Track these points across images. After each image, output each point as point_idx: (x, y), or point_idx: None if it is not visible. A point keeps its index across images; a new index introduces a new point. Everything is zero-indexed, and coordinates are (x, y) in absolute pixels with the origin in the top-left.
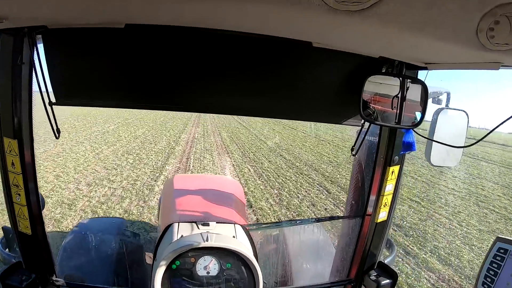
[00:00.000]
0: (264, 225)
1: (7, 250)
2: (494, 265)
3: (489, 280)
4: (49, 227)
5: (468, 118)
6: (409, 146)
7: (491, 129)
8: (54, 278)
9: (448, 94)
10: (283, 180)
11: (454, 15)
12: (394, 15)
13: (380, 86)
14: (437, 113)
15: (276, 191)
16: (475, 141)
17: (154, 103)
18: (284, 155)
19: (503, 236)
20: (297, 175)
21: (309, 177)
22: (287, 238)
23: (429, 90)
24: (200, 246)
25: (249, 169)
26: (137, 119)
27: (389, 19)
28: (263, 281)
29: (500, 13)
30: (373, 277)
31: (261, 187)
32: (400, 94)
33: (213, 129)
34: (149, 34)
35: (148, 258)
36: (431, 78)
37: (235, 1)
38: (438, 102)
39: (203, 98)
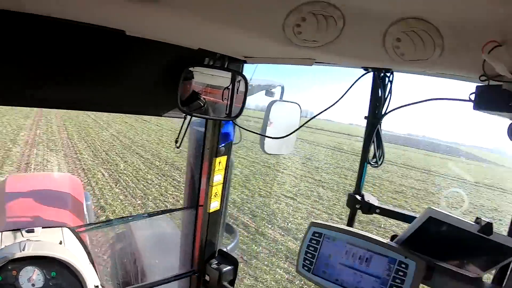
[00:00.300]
0: (95, 225)
1: None
2: (311, 248)
3: (308, 262)
4: None
5: (300, 109)
6: (227, 137)
7: (309, 119)
8: None
9: (282, 88)
10: (144, 186)
11: (260, 11)
12: (195, 5)
13: (209, 78)
14: (270, 105)
15: (139, 201)
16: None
17: None
18: (141, 153)
19: (316, 221)
20: (160, 177)
21: (173, 179)
22: (136, 234)
23: (263, 83)
24: (17, 256)
25: (103, 174)
26: None
27: (191, 8)
28: (101, 285)
29: (307, 10)
30: (214, 266)
31: (121, 197)
32: (222, 86)
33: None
34: None
35: None
36: (269, 72)
37: None
38: (271, 94)
39: (13, 90)
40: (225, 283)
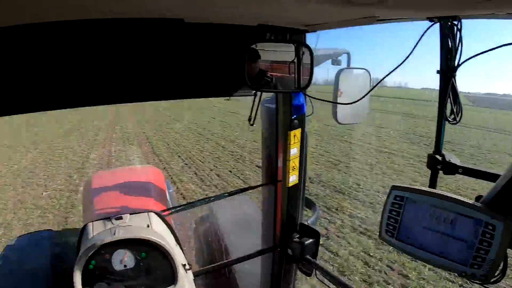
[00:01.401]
0: (179, 207)
1: None
2: (393, 213)
3: (392, 227)
4: None
5: (370, 76)
6: (299, 109)
7: (374, 85)
8: None
9: (348, 55)
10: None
11: None
12: None
13: (272, 53)
14: (338, 74)
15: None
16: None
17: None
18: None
19: (397, 184)
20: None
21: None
22: (218, 215)
23: (328, 52)
24: (108, 241)
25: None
26: None
27: None
28: (188, 263)
29: None
30: (296, 239)
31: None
32: (288, 59)
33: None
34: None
35: None
36: (332, 39)
37: None
38: (337, 63)
39: (79, 91)
40: (308, 256)
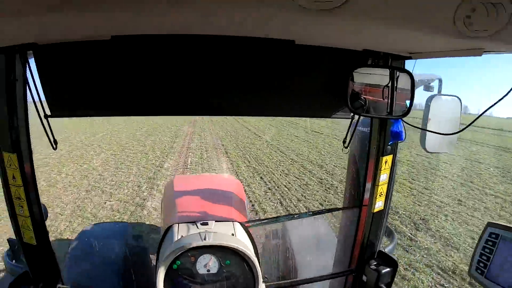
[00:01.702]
0: (263, 221)
1: (14, 261)
2: (486, 250)
3: (482, 265)
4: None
5: (461, 103)
6: (397, 136)
7: (479, 115)
8: (60, 285)
9: (440, 81)
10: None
11: (429, 6)
12: (368, 11)
13: (369, 77)
14: (429, 100)
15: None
16: (465, 126)
17: (146, 110)
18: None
19: (494, 222)
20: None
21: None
22: (290, 232)
23: (421, 78)
24: (198, 245)
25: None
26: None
27: (363, 15)
28: (264, 276)
29: (476, 1)
30: (373, 267)
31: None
32: (386, 84)
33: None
34: (136, 43)
35: (153, 260)
36: (423, 65)
37: (213, 8)
38: (429, 89)
39: (192, 101)
40: (382, 285)
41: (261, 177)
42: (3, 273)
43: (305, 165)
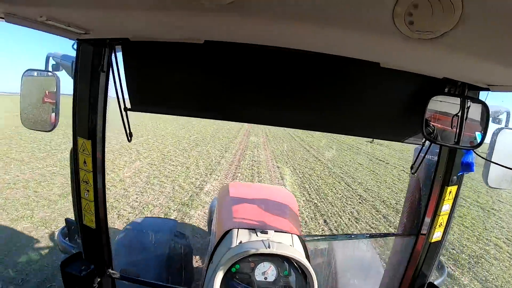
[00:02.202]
0: (318, 237)
1: (67, 240)
2: None
3: None
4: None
5: None
6: (468, 167)
7: None
8: (111, 270)
9: (508, 114)
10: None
11: None
12: (463, 43)
13: (441, 105)
14: (496, 133)
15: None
16: None
17: (221, 114)
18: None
19: None
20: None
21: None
22: (336, 252)
23: (491, 109)
24: (261, 252)
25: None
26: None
27: (457, 46)
28: None
29: None
30: None
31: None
32: (461, 114)
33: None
34: (226, 50)
35: (195, 261)
36: (491, 97)
37: (309, 25)
38: (497, 121)
39: (270, 111)
40: None
41: (325, 221)
42: (49, 250)
43: (375, 205)
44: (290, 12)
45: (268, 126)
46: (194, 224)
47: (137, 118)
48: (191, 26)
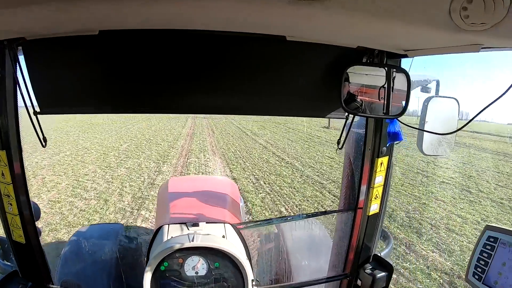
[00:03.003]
0: (256, 223)
1: (4, 260)
2: (484, 254)
3: (480, 270)
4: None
5: (458, 105)
6: (395, 136)
7: (475, 115)
8: (50, 285)
9: (438, 82)
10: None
11: None
12: (360, 3)
13: (364, 77)
14: (426, 101)
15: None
16: (461, 126)
17: (138, 107)
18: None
19: (492, 224)
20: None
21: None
22: (286, 235)
23: (418, 79)
24: (186, 246)
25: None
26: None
27: (354, 5)
28: (256, 279)
29: None
30: (368, 271)
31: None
32: (383, 84)
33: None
34: (124, 38)
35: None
36: (419, 67)
37: (201, 2)
38: (427, 90)
39: (183, 99)
40: None
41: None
42: None
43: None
44: None
45: (214, 122)
46: (143, 225)
47: (61, 125)
48: (83, 16)
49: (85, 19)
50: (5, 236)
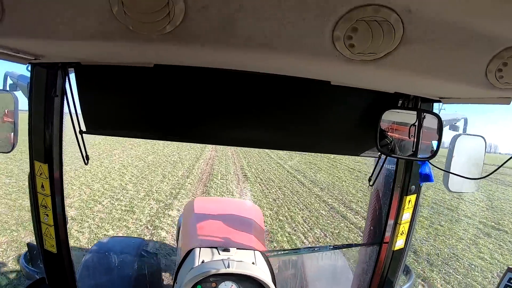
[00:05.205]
0: (282, 252)
1: (30, 265)
2: None
3: None
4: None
5: (485, 143)
6: (426, 178)
7: (505, 161)
8: None
9: (465, 120)
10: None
11: (464, 60)
12: (407, 62)
13: (397, 117)
14: (454, 139)
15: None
16: (492, 171)
17: (179, 136)
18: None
19: None
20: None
21: None
22: (305, 264)
23: (446, 117)
24: (221, 272)
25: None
26: None
27: (401, 66)
28: None
29: (507, 56)
30: None
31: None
32: (415, 126)
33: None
34: (176, 73)
35: (165, 279)
36: (448, 105)
37: (258, 50)
38: (455, 128)
39: (224, 132)
40: None
41: None
42: (15, 275)
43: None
44: (235, 41)
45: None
46: (164, 241)
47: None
48: (138, 52)
49: (144, 54)
50: (35, 243)
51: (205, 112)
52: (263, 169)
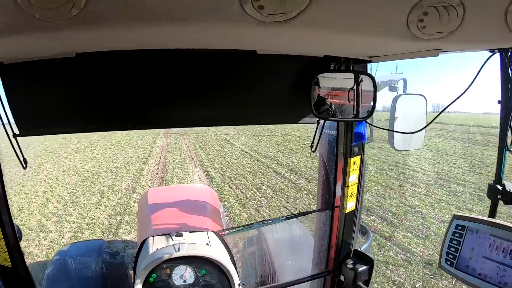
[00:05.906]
0: (237, 229)
1: None
2: (454, 242)
3: (451, 256)
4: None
5: (426, 101)
6: (360, 137)
7: (441, 111)
8: None
9: (405, 81)
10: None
11: (383, 13)
12: (322, 20)
13: (333, 81)
14: (395, 100)
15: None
16: (428, 123)
17: (115, 125)
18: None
19: (459, 214)
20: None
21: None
22: (267, 237)
23: (385, 79)
24: (173, 256)
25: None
26: None
27: (317, 24)
28: (242, 283)
29: (426, 5)
30: (350, 266)
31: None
32: (351, 88)
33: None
34: (100, 59)
35: (132, 274)
36: (387, 67)
37: (174, 23)
38: (394, 89)
39: (159, 114)
40: (360, 283)
41: None
42: None
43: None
44: (144, 17)
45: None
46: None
47: None
48: (55, 42)
49: (62, 44)
50: None
51: (137, 97)
52: (228, 161)
